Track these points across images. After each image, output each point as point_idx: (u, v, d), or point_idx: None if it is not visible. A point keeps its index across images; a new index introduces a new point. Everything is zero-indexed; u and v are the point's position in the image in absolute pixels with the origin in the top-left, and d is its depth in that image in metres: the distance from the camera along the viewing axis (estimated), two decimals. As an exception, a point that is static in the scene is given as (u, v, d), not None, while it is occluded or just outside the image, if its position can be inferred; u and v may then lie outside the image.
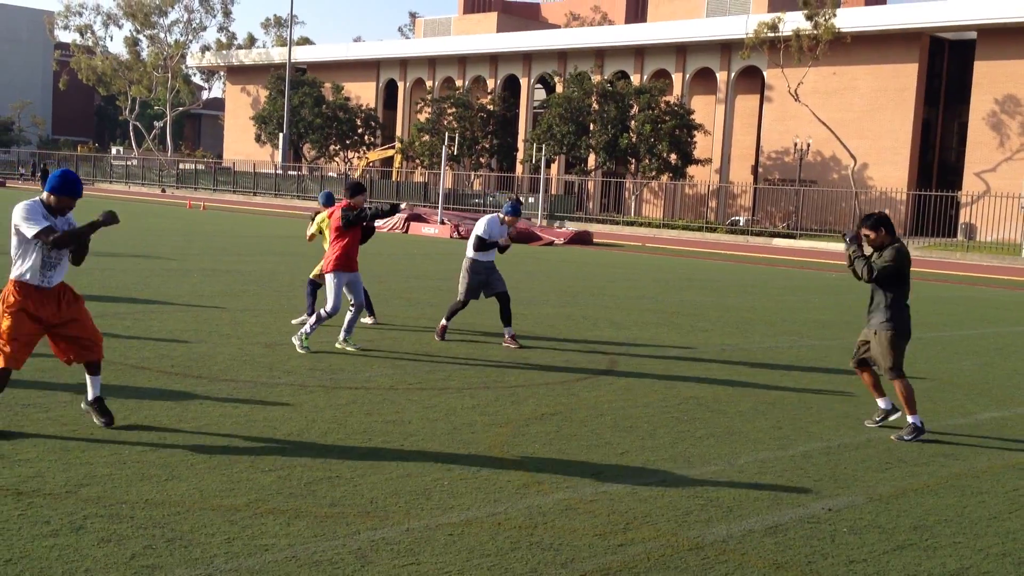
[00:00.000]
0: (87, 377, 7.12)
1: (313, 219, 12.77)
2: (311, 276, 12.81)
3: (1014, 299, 23.70)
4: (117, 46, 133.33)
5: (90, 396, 7.13)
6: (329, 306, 10.49)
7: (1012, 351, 14.06)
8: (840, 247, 44.44)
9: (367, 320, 12.97)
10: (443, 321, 11.99)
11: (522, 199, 57.27)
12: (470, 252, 11.92)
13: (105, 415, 7.08)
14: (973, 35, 54.34)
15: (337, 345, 10.76)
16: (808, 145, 55.73)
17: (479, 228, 11.87)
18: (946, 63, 58.60)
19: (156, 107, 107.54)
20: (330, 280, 10.61)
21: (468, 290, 11.91)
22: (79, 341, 6.95)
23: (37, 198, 6.77)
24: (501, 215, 11.99)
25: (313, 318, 10.54)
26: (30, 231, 6.60)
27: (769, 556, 5.32)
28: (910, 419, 8.31)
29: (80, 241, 6.80)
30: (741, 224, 54.58)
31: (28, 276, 6.72)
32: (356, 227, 10.63)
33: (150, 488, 5.80)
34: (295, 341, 10.56)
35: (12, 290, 6.74)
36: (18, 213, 6.65)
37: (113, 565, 4.68)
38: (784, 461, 7.28)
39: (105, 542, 4.95)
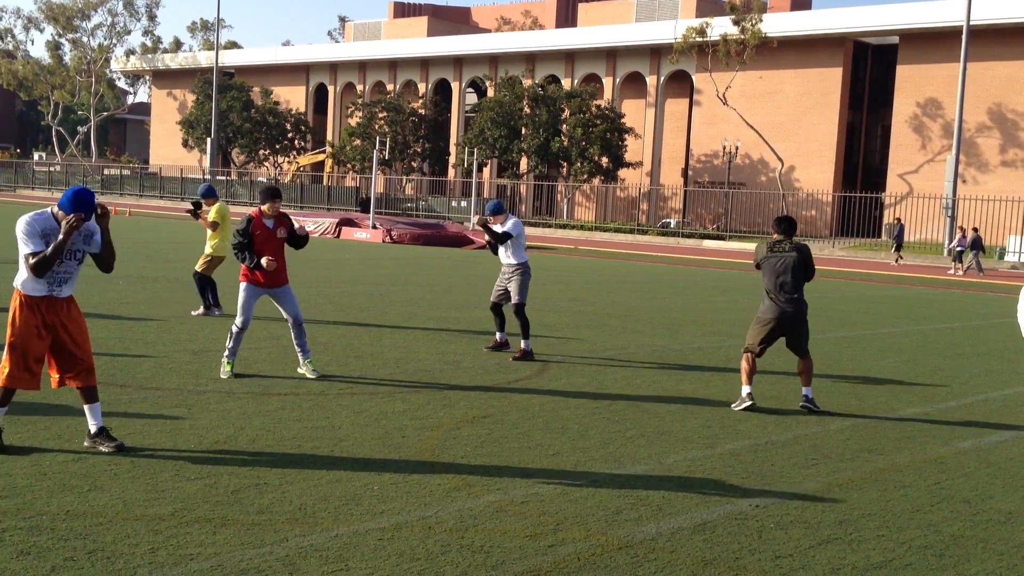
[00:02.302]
0: (86, 408, 6.72)
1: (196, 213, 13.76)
2: (197, 269, 13.69)
3: (937, 297, 24.27)
4: (39, 50, 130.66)
5: (93, 428, 6.71)
6: (238, 320, 9.50)
7: (935, 348, 14.38)
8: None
9: (197, 312, 13.42)
10: (523, 345, 11.48)
11: (459, 203, 57.22)
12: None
13: (113, 440, 6.69)
14: (895, 40, 55.60)
15: (299, 371, 9.75)
16: (736, 148, 56.52)
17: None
18: (869, 67, 59.86)
19: (80, 112, 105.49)
20: (240, 291, 9.59)
21: (492, 291, 11.98)
22: (78, 363, 6.62)
23: (48, 209, 6.54)
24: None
25: (228, 337, 9.60)
26: (23, 249, 6.43)
27: (697, 553, 5.37)
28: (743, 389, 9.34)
29: (51, 262, 6.42)
30: (672, 226, 55.15)
31: (37, 289, 6.49)
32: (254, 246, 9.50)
33: (71, 499, 5.67)
34: (221, 371, 9.52)
35: (20, 304, 6.49)
36: (20, 226, 6.43)
37: (32, 579, 4.57)
38: (713, 459, 7.35)
39: (24, 555, 4.83)
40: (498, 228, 11.64)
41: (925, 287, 27.97)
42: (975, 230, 36.86)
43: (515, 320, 11.59)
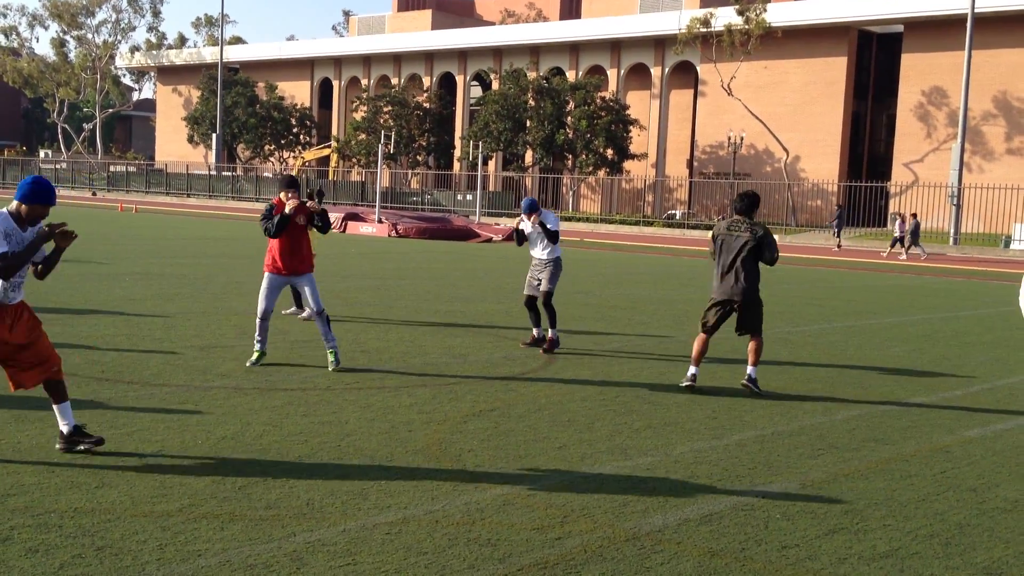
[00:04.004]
0: (55, 408, 6.50)
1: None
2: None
3: (942, 286, 24.22)
4: (44, 47, 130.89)
5: (66, 429, 6.51)
6: (258, 309, 9.92)
7: (940, 337, 14.37)
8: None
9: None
10: (551, 333, 11.60)
11: (465, 196, 57.29)
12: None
13: (90, 436, 6.52)
14: (900, 28, 55.40)
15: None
16: (742, 139, 56.40)
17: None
18: (874, 56, 59.66)
19: (85, 109, 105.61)
20: (263, 281, 10.03)
21: (524, 288, 11.97)
22: (39, 359, 6.38)
23: (4, 209, 6.30)
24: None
25: (256, 328, 9.96)
26: None
27: (704, 544, 5.38)
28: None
29: (24, 261, 6.17)
30: (678, 218, 55.05)
31: None
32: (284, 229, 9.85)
33: (79, 496, 5.70)
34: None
35: None
36: None
37: (41, 575, 4.59)
38: (719, 450, 7.36)
39: (33, 552, 4.85)
40: (527, 226, 11.65)
41: (930, 276, 27.92)
42: (914, 216, 37.99)
43: (544, 310, 11.63)
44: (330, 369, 9.76)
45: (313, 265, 10.23)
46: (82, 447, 6.52)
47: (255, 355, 9.91)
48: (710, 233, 9.79)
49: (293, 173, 65.93)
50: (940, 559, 5.34)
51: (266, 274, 10.01)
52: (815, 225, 53.21)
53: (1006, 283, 26.04)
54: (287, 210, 9.82)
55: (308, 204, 10.06)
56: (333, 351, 9.91)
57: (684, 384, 9.51)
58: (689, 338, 13.12)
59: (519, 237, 11.85)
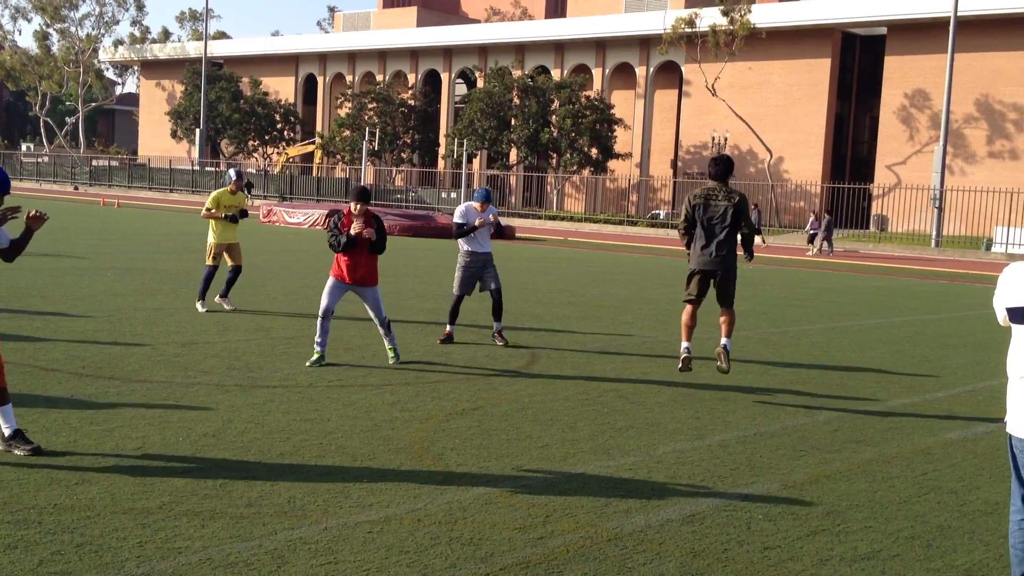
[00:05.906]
0: None
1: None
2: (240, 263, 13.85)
3: (925, 288, 24.34)
4: (26, 40, 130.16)
5: (7, 431, 6.35)
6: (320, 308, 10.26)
7: (922, 339, 14.43)
8: (761, 239, 45.27)
9: (226, 305, 13.41)
10: (447, 326, 11.85)
11: (449, 194, 57.30)
12: (460, 244, 11.85)
13: (29, 443, 6.36)
14: (883, 31, 55.64)
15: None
16: (726, 139, 56.56)
17: (455, 216, 11.82)
18: (858, 58, 59.89)
19: (68, 103, 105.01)
20: (327, 283, 10.24)
21: (459, 284, 11.84)
22: None
23: None
24: (474, 203, 11.82)
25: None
26: None
27: (686, 544, 5.38)
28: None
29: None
30: (661, 217, 55.15)
31: None
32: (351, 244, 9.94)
33: (59, 492, 5.65)
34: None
35: None
36: None
37: (20, 572, 4.55)
38: (702, 451, 7.37)
39: (11, 549, 4.81)
40: (489, 218, 11.73)
41: (912, 278, 28.05)
42: (828, 213, 40.26)
43: (492, 301, 11.89)
44: (390, 364, 10.10)
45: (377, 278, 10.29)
46: (19, 452, 6.33)
47: (314, 356, 9.90)
48: (685, 204, 9.51)
49: (276, 170, 65.53)
50: (921, 561, 5.36)
51: (331, 278, 10.13)
52: (799, 226, 53.39)
53: (988, 286, 26.19)
54: (352, 231, 9.86)
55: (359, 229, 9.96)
56: (391, 349, 10.24)
57: (681, 363, 9.43)
58: (673, 338, 13.14)
59: (469, 232, 11.70)
